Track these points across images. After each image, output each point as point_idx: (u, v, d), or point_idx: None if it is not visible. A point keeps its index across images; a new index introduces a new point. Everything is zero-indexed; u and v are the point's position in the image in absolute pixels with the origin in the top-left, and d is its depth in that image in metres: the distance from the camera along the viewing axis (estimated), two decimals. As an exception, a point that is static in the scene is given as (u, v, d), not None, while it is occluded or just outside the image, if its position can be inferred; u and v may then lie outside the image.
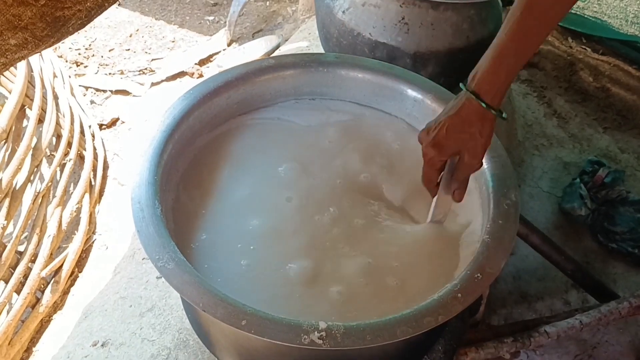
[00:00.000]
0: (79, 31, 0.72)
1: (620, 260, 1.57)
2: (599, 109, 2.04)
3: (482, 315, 1.23)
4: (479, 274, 0.82)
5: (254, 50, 2.30)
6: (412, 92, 1.12)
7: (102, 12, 0.73)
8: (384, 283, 0.92)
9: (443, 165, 0.92)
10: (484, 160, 0.96)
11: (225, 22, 2.57)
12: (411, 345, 0.98)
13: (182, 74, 2.33)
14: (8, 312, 1.33)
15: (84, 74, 2.28)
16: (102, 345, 1.29)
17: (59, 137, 1.74)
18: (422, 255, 0.96)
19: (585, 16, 2.25)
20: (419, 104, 1.12)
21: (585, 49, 2.23)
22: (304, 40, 2.06)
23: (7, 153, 1.44)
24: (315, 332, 0.74)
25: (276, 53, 2.18)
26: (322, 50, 1.59)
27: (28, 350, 1.38)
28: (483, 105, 0.83)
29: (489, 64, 0.83)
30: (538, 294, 1.48)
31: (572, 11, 2.25)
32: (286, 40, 2.30)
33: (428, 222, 0.99)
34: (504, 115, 0.85)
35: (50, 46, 0.70)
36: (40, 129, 1.63)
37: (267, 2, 2.77)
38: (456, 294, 0.79)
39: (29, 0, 0.60)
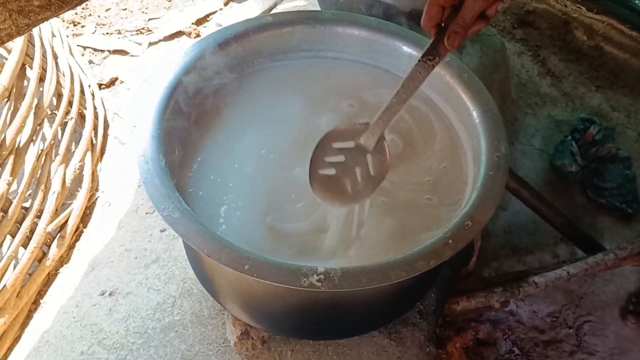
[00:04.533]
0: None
1: (609, 215, 1.61)
2: (592, 67, 2.06)
3: (473, 266, 1.27)
4: (469, 222, 0.86)
5: (252, 9, 2.29)
6: (407, 49, 1.14)
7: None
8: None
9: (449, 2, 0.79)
10: (475, 114, 1.00)
11: (221, -19, 2.55)
12: (405, 290, 1.03)
13: (179, 33, 2.32)
14: (15, 266, 1.36)
15: (81, 34, 2.28)
16: (109, 295, 1.34)
17: (59, 96, 1.75)
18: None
19: (581, -25, 2.26)
20: (414, 60, 1.14)
21: (580, 7, 2.23)
22: (301, -1, 2.07)
23: (10, 112, 1.46)
24: (315, 275, 0.78)
25: (273, 12, 2.18)
26: (319, 9, 1.60)
27: (36, 303, 1.42)
28: None
29: None
30: (528, 247, 1.52)
31: (569, -29, 2.26)
32: (283, -1, 2.29)
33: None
34: None
35: (73, 8, 0.71)
36: (41, 88, 1.64)
37: (264, -39, 2.74)
38: (447, 240, 0.84)
39: (54, -36, 0.62)
